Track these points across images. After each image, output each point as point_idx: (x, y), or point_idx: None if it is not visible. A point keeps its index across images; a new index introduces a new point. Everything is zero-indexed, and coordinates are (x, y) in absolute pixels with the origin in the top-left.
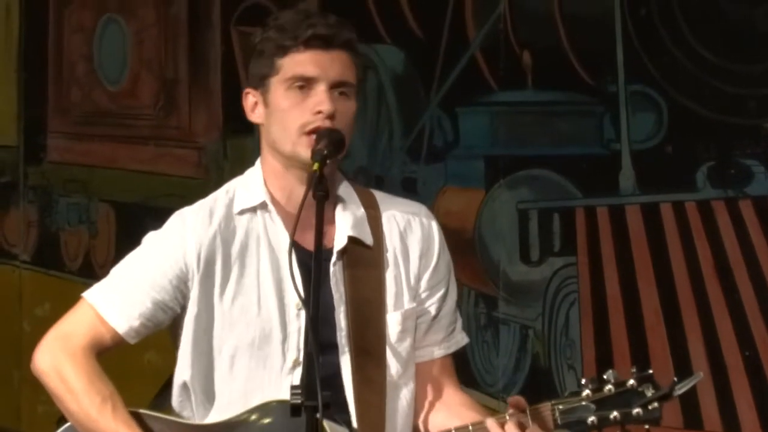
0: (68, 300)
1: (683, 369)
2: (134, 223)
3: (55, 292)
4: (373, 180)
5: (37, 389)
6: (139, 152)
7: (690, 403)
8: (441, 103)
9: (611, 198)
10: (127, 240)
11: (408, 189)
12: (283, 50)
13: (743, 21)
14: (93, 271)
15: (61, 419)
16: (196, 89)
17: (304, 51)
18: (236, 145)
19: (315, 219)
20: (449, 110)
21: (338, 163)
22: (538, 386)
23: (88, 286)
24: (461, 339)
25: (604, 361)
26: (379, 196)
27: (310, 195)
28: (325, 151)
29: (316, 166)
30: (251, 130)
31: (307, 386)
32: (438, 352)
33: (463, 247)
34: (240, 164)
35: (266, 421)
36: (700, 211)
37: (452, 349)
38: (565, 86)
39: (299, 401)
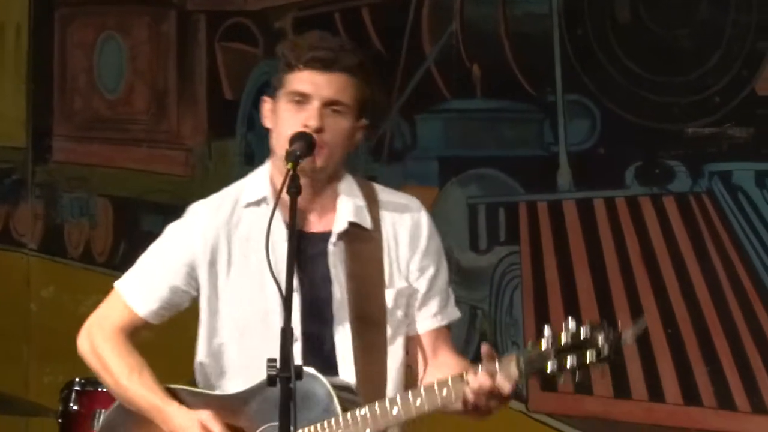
0: (71, 283)
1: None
2: (129, 215)
3: (59, 277)
4: None
5: (44, 363)
6: (133, 153)
7: (619, 375)
8: (400, 111)
9: (550, 194)
10: (124, 230)
11: None
12: (289, 67)
13: (667, 39)
14: (93, 258)
15: (64, 389)
16: (183, 98)
17: (303, 70)
18: (219, 147)
19: (289, 212)
20: (408, 116)
21: (326, 174)
22: None
23: (89, 272)
24: (453, 313)
25: None
26: (378, 188)
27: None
28: (298, 152)
29: (290, 165)
30: (233, 134)
31: (283, 359)
32: (430, 323)
33: None
34: (222, 163)
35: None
36: (628, 206)
37: (444, 322)
38: (510, 96)
39: (274, 373)
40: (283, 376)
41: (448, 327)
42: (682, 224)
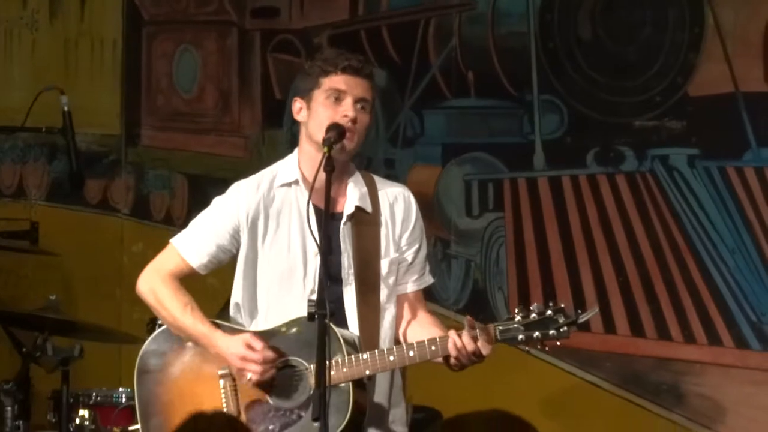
0: (155, 240)
1: (577, 292)
2: (201, 188)
3: (146, 235)
4: (365, 161)
5: (134, 303)
6: (203, 140)
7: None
8: (412, 107)
9: (528, 172)
10: (196, 200)
11: (389, 166)
12: (326, 73)
13: (620, 53)
14: (172, 221)
15: (149, 323)
16: (243, 97)
17: (340, 74)
18: (271, 136)
19: (325, 188)
20: (417, 112)
21: (350, 155)
22: (477, 301)
23: (169, 231)
24: (429, 279)
25: (523, 285)
26: (376, 178)
27: (324, 172)
28: (332, 139)
29: (326, 149)
30: (281, 125)
31: (318, 302)
32: (412, 287)
33: (426, 206)
34: (273, 149)
35: (296, 329)
36: (589, 183)
37: (422, 286)
38: (497, 96)
39: (314, 310)
40: (320, 313)
41: (423, 290)
42: (631, 196)
